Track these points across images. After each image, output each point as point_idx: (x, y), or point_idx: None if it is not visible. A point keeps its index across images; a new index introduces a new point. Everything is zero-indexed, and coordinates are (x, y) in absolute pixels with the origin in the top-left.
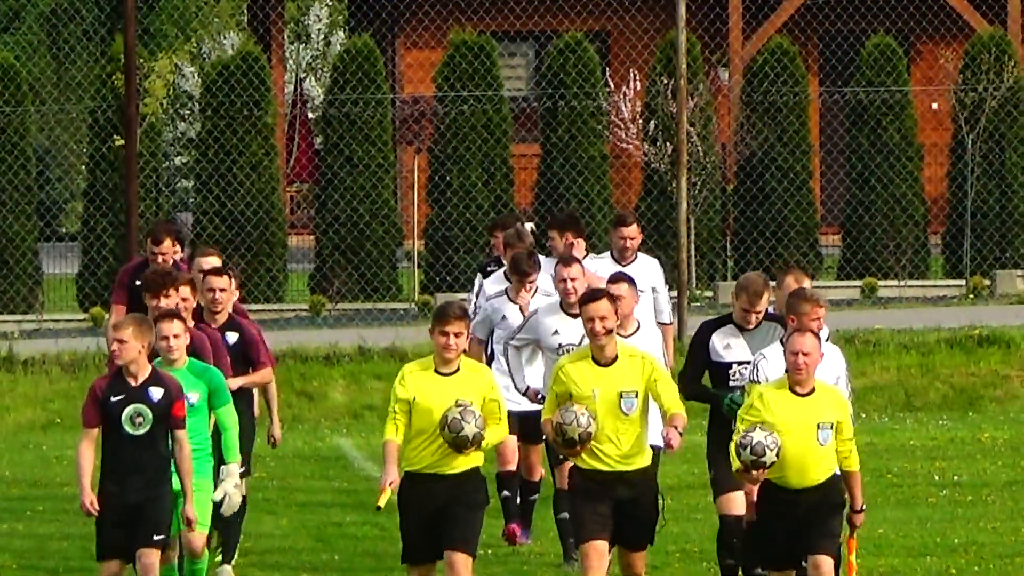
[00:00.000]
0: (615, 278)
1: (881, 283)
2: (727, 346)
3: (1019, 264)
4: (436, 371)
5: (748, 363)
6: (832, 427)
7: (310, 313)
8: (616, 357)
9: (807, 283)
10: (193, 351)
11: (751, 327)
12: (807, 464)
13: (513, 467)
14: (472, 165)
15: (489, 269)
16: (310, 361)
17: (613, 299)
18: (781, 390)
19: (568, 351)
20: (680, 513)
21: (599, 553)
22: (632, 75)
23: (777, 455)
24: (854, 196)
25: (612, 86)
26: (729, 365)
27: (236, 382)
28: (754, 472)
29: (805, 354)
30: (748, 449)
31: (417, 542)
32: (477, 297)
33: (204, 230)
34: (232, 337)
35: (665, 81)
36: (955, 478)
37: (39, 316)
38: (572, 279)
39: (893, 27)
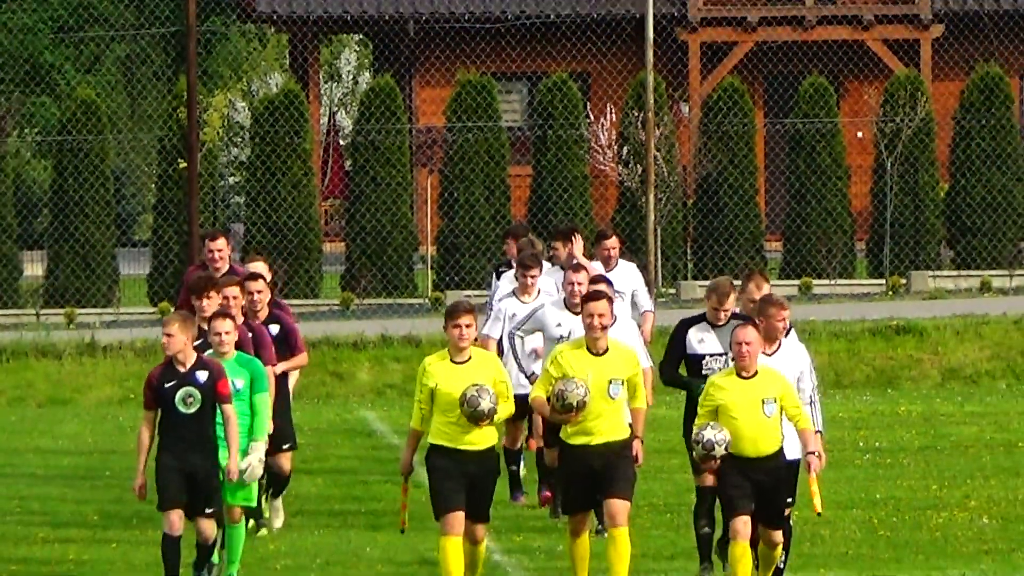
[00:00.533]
0: (595, 280)
1: (815, 282)
2: (701, 340)
3: (930, 266)
4: (452, 361)
5: (718, 355)
6: (775, 401)
7: (341, 307)
8: (607, 349)
9: (766, 287)
10: (239, 344)
11: (721, 324)
12: (757, 436)
13: (519, 445)
14: (476, 184)
15: (501, 269)
16: (341, 347)
17: (611, 301)
18: (729, 376)
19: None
20: (648, 473)
21: (584, 520)
22: (608, 109)
23: (726, 449)
24: (793, 209)
25: (592, 118)
26: (702, 357)
27: (280, 367)
28: (706, 464)
29: (747, 343)
30: (700, 445)
31: (450, 494)
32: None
33: (253, 238)
34: (274, 329)
35: (636, 114)
36: (876, 444)
37: (116, 309)
38: (579, 283)
39: (825, 69)
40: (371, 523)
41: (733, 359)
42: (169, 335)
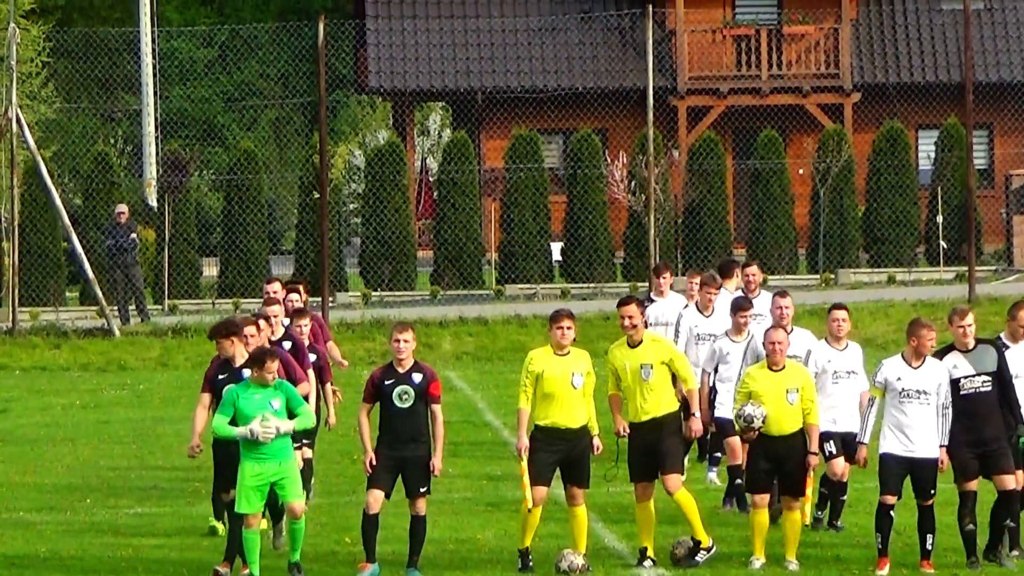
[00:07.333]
0: (744, 306)
1: (771, 277)
2: (955, 366)
3: (851, 265)
4: (555, 353)
5: (972, 376)
6: (798, 391)
7: (430, 296)
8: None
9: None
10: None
11: (970, 348)
12: (781, 417)
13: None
14: (526, 208)
15: (645, 303)
16: (430, 325)
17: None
18: (762, 369)
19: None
20: None
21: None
22: (621, 155)
23: (763, 421)
24: (753, 225)
25: (609, 161)
26: (959, 380)
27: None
28: (748, 434)
29: (779, 343)
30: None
31: (544, 468)
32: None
33: (368, 249)
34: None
35: (641, 158)
36: None
37: None
38: (787, 307)
39: (776, 125)
40: (452, 451)
41: (767, 355)
42: (406, 341)
